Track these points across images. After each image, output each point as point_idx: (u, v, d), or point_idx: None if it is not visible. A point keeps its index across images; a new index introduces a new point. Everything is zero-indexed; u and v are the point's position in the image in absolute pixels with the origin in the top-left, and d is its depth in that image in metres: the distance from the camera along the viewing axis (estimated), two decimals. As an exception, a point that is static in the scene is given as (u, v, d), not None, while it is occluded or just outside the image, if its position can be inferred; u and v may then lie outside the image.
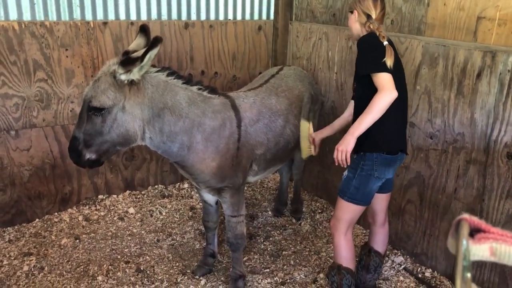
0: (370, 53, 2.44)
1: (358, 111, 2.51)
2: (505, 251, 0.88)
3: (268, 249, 3.59)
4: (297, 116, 3.19)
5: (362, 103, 2.48)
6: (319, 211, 4.17)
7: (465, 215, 0.92)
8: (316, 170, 4.34)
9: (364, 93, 2.48)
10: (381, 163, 2.54)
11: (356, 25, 2.64)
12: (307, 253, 3.55)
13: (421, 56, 3.11)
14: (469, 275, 0.87)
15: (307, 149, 3.09)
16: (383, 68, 2.35)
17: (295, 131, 3.14)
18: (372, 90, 2.38)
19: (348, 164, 2.48)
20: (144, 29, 2.57)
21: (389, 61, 2.36)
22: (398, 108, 2.50)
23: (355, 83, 2.67)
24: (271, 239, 3.72)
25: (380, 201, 2.84)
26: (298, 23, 4.33)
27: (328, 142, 3.40)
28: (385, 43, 2.43)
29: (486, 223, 0.92)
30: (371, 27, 2.53)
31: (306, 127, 3.07)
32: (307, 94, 3.37)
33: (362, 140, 2.47)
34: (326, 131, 3.02)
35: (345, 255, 2.70)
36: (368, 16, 2.56)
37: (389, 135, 2.54)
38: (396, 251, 3.52)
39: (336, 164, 2.53)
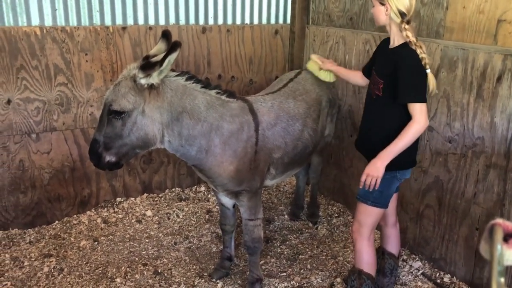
0: (415, 81, 2.39)
1: (371, 119, 2.59)
2: None
3: (285, 253, 3.59)
4: (316, 120, 3.19)
5: (379, 112, 2.54)
6: (336, 215, 4.15)
7: (499, 220, 0.92)
8: (332, 174, 4.33)
9: (386, 105, 2.50)
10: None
11: (382, 17, 2.46)
12: (324, 257, 3.54)
13: (439, 59, 3.09)
14: (502, 280, 0.86)
15: (327, 75, 3.32)
16: (424, 99, 2.37)
17: (313, 135, 3.14)
18: (397, 107, 2.43)
19: (377, 188, 2.48)
20: (166, 35, 2.60)
21: (430, 90, 2.40)
22: None
23: (378, 90, 2.54)
24: (287, 243, 3.72)
25: (392, 202, 2.83)
26: (315, 27, 4.33)
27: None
28: (428, 71, 2.39)
29: None
30: (409, 35, 2.37)
31: (312, 66, 3.35)
32: (325, 98, 3.37)
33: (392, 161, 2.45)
34: (334, 67, 3.24)
35: (367, 260, 2.69)
36: (403, 15, 2.38)
37: (412, 153, 2.58)
38: (414, 256, 3.49)
39: (361, 187, 2.52)
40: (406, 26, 2.38)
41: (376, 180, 2.44)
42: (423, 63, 2.37)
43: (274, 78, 4.25)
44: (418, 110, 2.35)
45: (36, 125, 3.61)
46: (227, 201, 3.07)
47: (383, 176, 2.47)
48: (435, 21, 3.22)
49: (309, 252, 3.59)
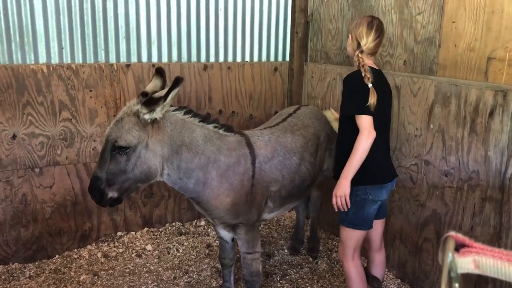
0: (354, 96, 2.60)
1: (341, 140, 2.77)
2: (487, 264, 0.97)
3: (285, 287, 3.57)
4: (313, 154, 3.25)
5: (344, 135, 2.74)
6: (336, 249, 4.15)
7: (452, 232, 1.02)
8: (333, 208, 4.33)
9: (345, 126, 2.71)
10: (373, 187, 2.70)
11: (349, 48, 2.81)
12: (323, 292, 3.52)
13: (434, 95, 3.17)
14: (457, 285, 0.96)
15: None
16: (365, 111, 2.53)
17: (311, 168, 3.19)
18: (352, 124, 2.60)
19: (349, 207, 2.61)
20: (159, 71, 2.70)
21: (371, 104, 2.53)
22: (381, 143, 2.70)
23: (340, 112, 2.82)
24: (287, 277, 3.71)
25: (375, 227, 2.92)
26: (313, 64, 4.46)
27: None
28: (370, 85, 2.56)
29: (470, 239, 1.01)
30: (359, 58, 2.65)
31: (329, 114, 3.39)
32: (323, 133, 3.43)
33: (357, 175, 2.60)
34: None
35: (354, 278, 2.78)
36: (358, 44, 2.68)
37: (377, 168, 2.70)
38: (414, 291, 3.47)
39: (336, 210, 2.67)
40: (360, 55, 2.66)
41: (346, 199, 2.57)
42: (364, 77, 2.57)
43: (274, 113, 4.34)
44: (361, 122, 2.54)
45: (40, 159, 3.68)
46: (226, 234, 3.10)
47: (354, 198, 2.64)
48: (428, 59, 3.32)
49: (309, 287, 3.58)
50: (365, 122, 2.53)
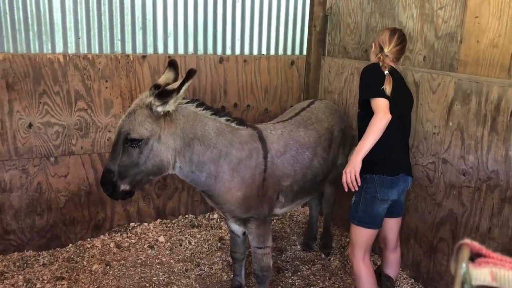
0: (370, 81, 2.66)
1: (361, 133, 2.72)
2: (505, 276, 0.89)
3: (296, 283, 3.54)
4: (326, 149, 3.20)
5: (364, 125, 2.67)
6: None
7: (467, 240, 0.94)
8: (346, 205, 4.28)
9: (365, 117, 2.67)
10: (383, 184, 2.67)
11: (372, 56, 2.92)
12: (335, 289, 3.48)
13: (453, 92, 3.09)
14: None
15: None
16: (381, 94, 2.56)
17: (324, 164, 3.15)
18: (372, 113, 2.59)
19: (359, 184, 2.58)
20: (172, 64, 2.68)
21: (387, 88, 2.57)
22: (396, 133, 2.70)
23: (358, 108, 2.87)
24: (299, 273, 3.67)
25: (391, 226, 2.92)
26: (331, 58, 4.39)
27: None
28: (386, 72, 2.64)
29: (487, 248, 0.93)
30: (381, 58, 2.73)
31: None
32: (337, 128, 3.38)
33: (367, 163, 2.60)
34: None
35: (365, 279, 2.74)
36: (381, 49, 2.80)
37: (387, 158, 2.68)
38: (428, 291, 3.40)
39: (346, 189, 2.63)
40: (382, 57, 2.76)
41: (356, 175, 2.55)
42: (382, 66, 2.65)
43: (289, 107, 4.29)
44: (376, 104, 2.57)
45: (55, 148, 3.71)
46: (237, 228, 3.07)
47: (363, 195, 2.65)
48: (449, 55, 3.23)
49: (320, 284, 3.54)
50: (380, 104, 2.55)
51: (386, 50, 2.77)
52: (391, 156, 2.70)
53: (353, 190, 2.62)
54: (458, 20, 3.14)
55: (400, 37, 2.80)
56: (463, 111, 3.03)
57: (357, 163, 2.54)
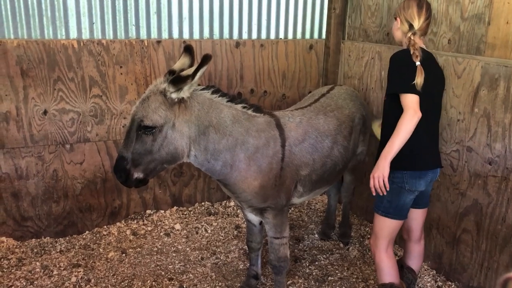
0: (401, 73, 2.48)
1: (386, 124, 2.61)
2: None
3: (314, 273, 3.47)
4: (347, 137, 3.10)
5: (389, 116, 2.59)
6: (368, 236, 4.00)
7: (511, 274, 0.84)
8: (366, 193, 4.19)
9: (392, 108, 2.55)
10: (410, 176, 2.56)
11: (398, 33, 2.69)
12: (354, 279, 3.40)
13: (480, 77, 2.94)
14: None
15: None
16: (411, 90, 2.39)
17: (344, 152, 3.05)
18: (400, 105, 2.45)
19: (387, 189, 2.46)
20: (188, 49, 2.60)
21: (418, 81, 2.40)
22: (424, 126, 2.51)
23: (385, 96, 2.69)
24: (317, 263, 3.61)
25: (416, 217, 2.81)
26: (351, 42, 4.25)
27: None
28: (417, 63, 2.44)
29: None
30: (411, 39, 2.52)
31: (376, 127, 3.20)
32: (358, 115, 3.27)
33: (396, 158, 2.47)
34: None
35: (388, 271, 2.65)
36: (411, 26, 2.57)
37: (415, 153, 2.54)
38: (450, 283, 3.30)
39: (374, 193, 2.52)
40: (412, 36, 2.53)
41: (384, 181, 2.44)
42: (413, 55, 2.44)
43: (308, 93, 4.18)
44: (407, 101, 2.40)
45: (70, 135, 3.68)
46: (253, 217, 3.01)
47: (390, 185, 2.49)
48: (475, 37, 3.08)
49: (338, 274, 3.47)
50: (410, 101, 2.39)
51: (416, 25, 2.55)
52: (419, 151, 2.56)
53: (381, 194, 2.51)
54: (486, 0, 2.98)
55: (428, 9, 2.59)
56: (490, 96, 2.89)
57: (385, 167, 2.43)
